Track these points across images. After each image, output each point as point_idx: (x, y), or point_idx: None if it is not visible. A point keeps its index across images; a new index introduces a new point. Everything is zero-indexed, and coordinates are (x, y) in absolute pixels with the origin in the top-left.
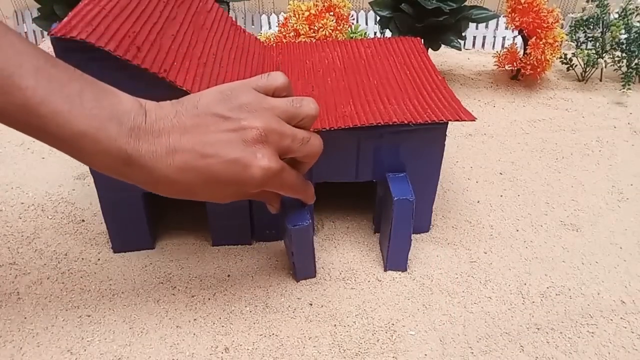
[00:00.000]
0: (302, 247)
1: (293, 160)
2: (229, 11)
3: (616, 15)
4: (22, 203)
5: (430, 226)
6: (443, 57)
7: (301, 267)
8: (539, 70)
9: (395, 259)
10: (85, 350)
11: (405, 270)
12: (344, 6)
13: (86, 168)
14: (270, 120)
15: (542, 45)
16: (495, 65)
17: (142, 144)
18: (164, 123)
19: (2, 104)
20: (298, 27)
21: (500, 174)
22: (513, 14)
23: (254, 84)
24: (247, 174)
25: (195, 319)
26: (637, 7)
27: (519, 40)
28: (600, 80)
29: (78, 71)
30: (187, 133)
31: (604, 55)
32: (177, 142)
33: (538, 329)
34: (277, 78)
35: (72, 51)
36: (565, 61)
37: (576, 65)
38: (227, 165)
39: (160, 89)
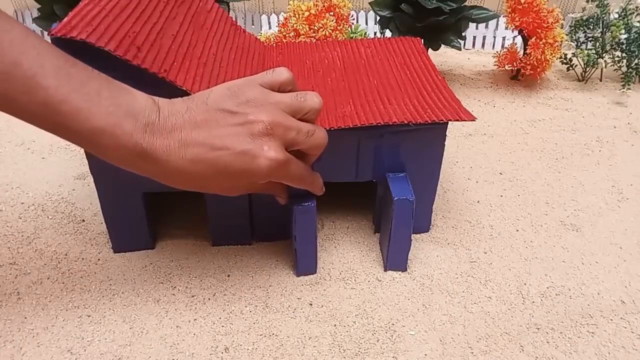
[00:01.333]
0: (305, 231)
1: (299, 153)
2: (229, 11)
3: (616, 15)
4: (22, 203)
5: (430, 226)
6: (443, 57)
7: (303, 257)
8: (539, 70)
9: (395, 259)
10: (85, 350)
11: (405, 270)
12: (344, 6)
13: (86, 168)
14: (276, 114)
15: (542, 45)
16: (495, 65)
17: (156, 139)
18: (176, 119)
19: (25, 102)
20: (298, 27)
21: (500, 174)
22: (513, 14)
23: (260, 80)
24: (254, 165)
25: (195, 319)
26: (637, 7)
27: (519, 40)
28: (600, 80)
29: (95, 70)
30: (197, 128)
31: (604, 55)
32: (189, 136)
33: (538, 329)
34: (282, 74)
35: (72, 51)
36: (565, 61)
37: (576, 65)
38: (235, 157)
39: (160, 89)
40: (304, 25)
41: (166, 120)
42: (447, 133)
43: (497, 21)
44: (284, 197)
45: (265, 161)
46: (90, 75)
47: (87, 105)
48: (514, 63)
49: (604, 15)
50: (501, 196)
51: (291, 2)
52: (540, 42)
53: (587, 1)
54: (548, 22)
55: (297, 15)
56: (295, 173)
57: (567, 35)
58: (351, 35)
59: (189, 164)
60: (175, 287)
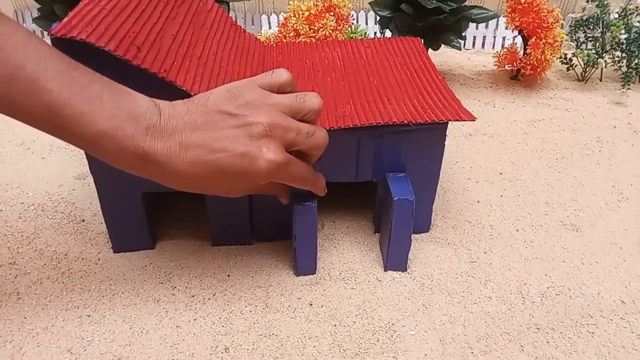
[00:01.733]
0: (305, 231)
1: (300, 153)
2: (229, 11)
3: (616, 15)
4: (22, 203)
5: (430, 226)
6: (443, 57)
7: (303, 257)
8: (539, 70)
9: (395, 259)
10: (85, 350)
11: (405, 270)
12: (344, 6)
13: (86, 168)
14: (275, 115)
15: (542, 45)
16: (495, 65)
17: (157, 142)
18: (177, 121)
19: (29, 106)
20: (298, 27)
21: (500, 174)
22: (513, 14)
23: (259, 82)
24: (253, 166)
25: (195, 319)
26: (637, 7)
27: (519, 40)
28: (600, 80)
29: (97, 74)
30: (197, 130)
31: (604, 55)
32: (189, 138)
33: (538, 329)
34: (281, 75)
35: (72, 51)
36: (565, 61)
37: (576, 65)
38: (235, 159)
39: (160, 89)
40: (304, 25)
41: (167, 123)
42: (447, 133)
43: (497, 21)
44: (286, 197)
45: (264, 163)
46: (92, 78)
47: (90, 108)
48: (514, 63)
49: (604, 15)
50: (501, 196)
51: (291, 2)
52: (540, 42)
53: (587, 1)
54: (548, 22)
55: (297, 15)
56: (297, 174)
57: (567, 35)
58: (351, 35)
59: (189, 166)
60: (175, 287)
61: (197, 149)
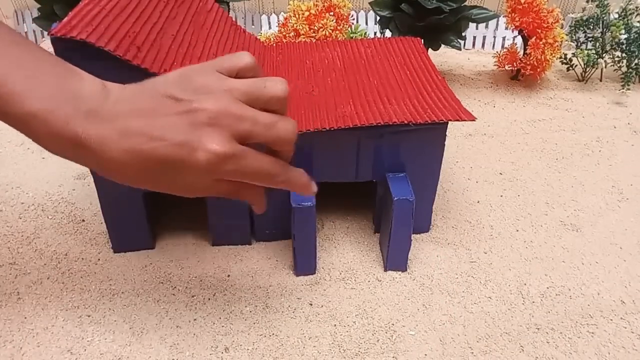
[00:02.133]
0: (304, 231)
1: (270, 150)
2: (229, 11)
3: (616, 15)
4: (22, 203)
5: (430, 226)
6: (443, 57)
7: (302, 256)
8: (539, 70)
9: (395, 259)
10: (85, 350)
11: (405, 270)
12: (344, 6)
13: (86, 168)
14: (226, 102)
15: (542, 45)
16: (495, 65)
17: (95, 127)
18: (122, 106)
19: None
20: (298, 27)
21: (500, 174)
22: (513, 14)
23: (218, 65)
24: (192, 158)
25: (195, 319)
26: (637, 7)
27: (519, 40)
28: (600, 80)
29: (46, 52)
30: (140, 116)
31: (604, 55)
32: (129, 124)
33: (538, 329)
34: (242, 58)
35: (72, 51)
36: (565, 61)
37: (576, 65)
38: (172, 149)
39: None
40: (304, 25)
41: (111, 108)
42: (447, 133)
43: (497, 21)
44: (259, 204)
45: (204, 154)
46: (36, 56)
47: (23, 88)
48: (514, 63)
49: (604, 15)
50: (501, 196)
51: (291, 2)
52: (540, 42)
53: (587, 1)
54: (548, 22)
55: (297, 15)
56: (252, 169)
57: (567, 35)
58: (351, 35)
59: (124, 155)
60: (175, 287)
61: (136, 136)
